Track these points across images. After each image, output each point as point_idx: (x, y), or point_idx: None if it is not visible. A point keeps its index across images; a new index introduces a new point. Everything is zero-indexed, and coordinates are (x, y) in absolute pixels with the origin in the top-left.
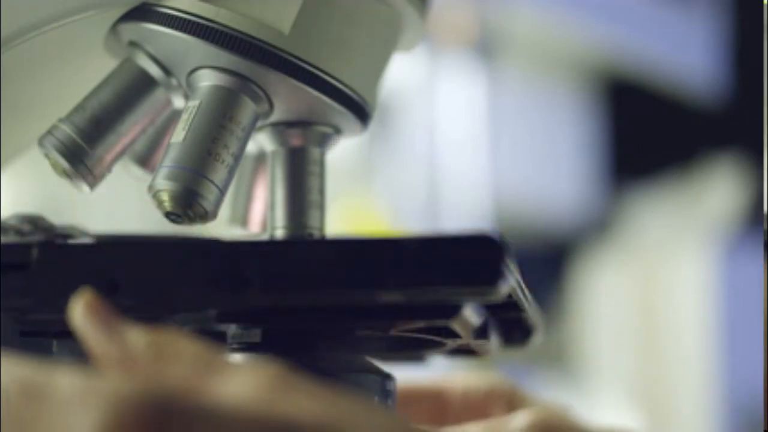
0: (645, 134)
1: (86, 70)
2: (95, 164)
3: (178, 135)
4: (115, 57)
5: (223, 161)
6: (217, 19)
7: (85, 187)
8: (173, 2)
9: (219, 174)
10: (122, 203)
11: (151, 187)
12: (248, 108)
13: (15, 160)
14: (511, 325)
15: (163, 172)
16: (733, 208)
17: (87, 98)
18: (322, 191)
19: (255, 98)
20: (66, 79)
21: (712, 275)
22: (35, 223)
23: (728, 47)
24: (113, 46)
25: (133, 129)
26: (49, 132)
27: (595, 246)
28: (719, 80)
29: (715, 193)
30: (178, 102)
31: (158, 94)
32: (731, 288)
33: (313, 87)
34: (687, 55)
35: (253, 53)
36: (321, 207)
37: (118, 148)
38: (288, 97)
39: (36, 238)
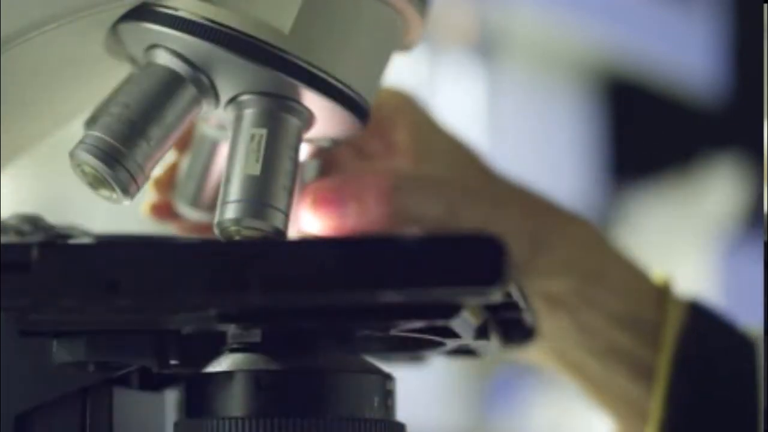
0: (645, 134)
1: (86, 70)
2: (137, 170)
3: (252, 166)
4: (115, 57)
5: (289, 189)
6: (217, 18)
7: (124, 198)
8: (174, 2)
9: (286, 202)
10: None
11: (230, 222)
12: (299, 132)
13: (15, 160)
14: (511, 325)
15: (246, 208)
16: (733, 208)
17: (110, 104)
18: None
19: (302, 119)
20: (66, 79)
21: (712, 275)
22: (35, 223)
23: (728, 47)
24: (114, 45)
25: (168, 129)
26: (81, 141)
27: None
28: (719, 80)
29: (714, 193)
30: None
31: (187, 92)
32: (731, 288)
33: (313, 87)
34: (687, 55)
35: (298, 74)
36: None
37: (157, 151)
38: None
39: (36, 238)
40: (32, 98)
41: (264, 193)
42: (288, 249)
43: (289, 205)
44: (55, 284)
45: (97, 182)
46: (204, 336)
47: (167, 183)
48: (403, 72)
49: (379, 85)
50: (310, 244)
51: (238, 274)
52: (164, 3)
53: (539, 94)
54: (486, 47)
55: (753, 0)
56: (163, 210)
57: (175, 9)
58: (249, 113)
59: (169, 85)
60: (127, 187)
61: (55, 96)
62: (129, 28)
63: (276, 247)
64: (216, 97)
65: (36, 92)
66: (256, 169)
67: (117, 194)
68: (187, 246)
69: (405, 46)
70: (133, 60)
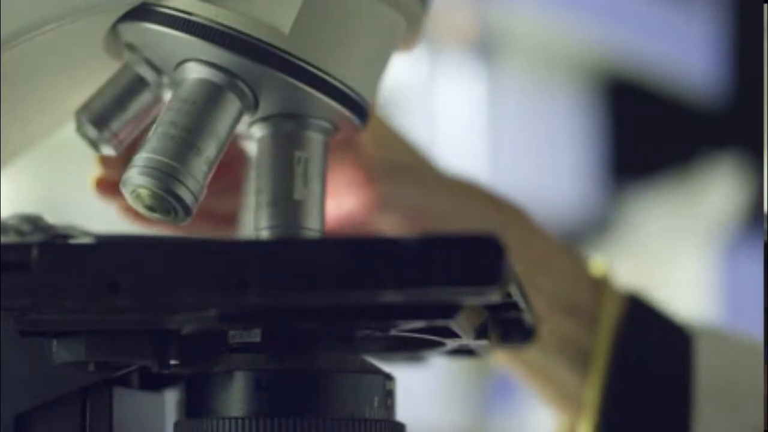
0: (645, 134)
1: (87, 70)
2: (198, 188)
3: (300, 191)
4: (115, 57)
5: (323, 207)
6: (218, 19)
7: (186, 218)
8: (174, 2)
9: (322, 220)
10: None
11: None
12: (327, 149)
13: (15, 160)
14: (510, 325)
15: (288, 234)
16: (733, 208)
17: (155, 124)
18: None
19: (328, 135)
20: (66, 78)
21: (712, 275)
22: (35, 223)
23: (728, 47)
24: (114, 45)
25: (221, 143)
26: (134, 165)
27: (594, 246)
28: (719, 80)
29: (715, 193)
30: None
31: (231, 103)
32: (731, 288)
33: (311, 86)
34: (687, 55)
35: (298, 74)
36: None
37: (212, 166)
38: (290, 97)
39: (36, 238)
40: (32, 98)
41: (306, 217)
42: (288, 249)
43: (323, 224)
44: (55, 284)
45: (155, 205)
46: (204, 336)
47: (117, 159)
48: (403, 72)
49: (380, 85)
50: (309, 244)
51: (238, 274)
52: (168, 4)
53: (539, 94)
54: (486, 47)
55: (753, 0)
56: (109, 186)
57: (206, 18)
58: (285, 133)
59: (213, 97)
60: (191, 206)
61: (55, 96)
62: (144, 32)
63: (276, 247)
64: (255, 105)
65: (36, 92)
66: (304, 194)
67: (179, 214)
68: (187, 246)
69: (405, 46)
70: (132, 57)
